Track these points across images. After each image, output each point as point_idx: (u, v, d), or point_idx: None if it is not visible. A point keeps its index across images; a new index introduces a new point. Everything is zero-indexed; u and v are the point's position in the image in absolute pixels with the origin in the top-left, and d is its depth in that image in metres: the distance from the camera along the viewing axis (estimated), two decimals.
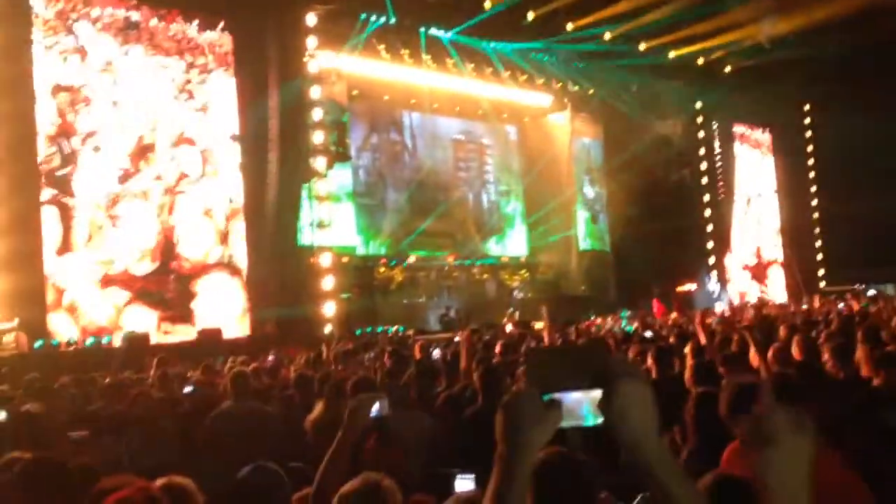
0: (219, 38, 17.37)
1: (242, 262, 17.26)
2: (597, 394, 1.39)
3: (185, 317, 15.94)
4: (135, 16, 15.99)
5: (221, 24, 17.23)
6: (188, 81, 16.89)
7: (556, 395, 1.40)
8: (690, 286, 26.08)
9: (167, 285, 15.77)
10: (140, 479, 2.41)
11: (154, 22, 16.32)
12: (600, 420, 1.39)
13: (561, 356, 1.51)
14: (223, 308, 16.57)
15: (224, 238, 17.01)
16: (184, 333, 15.56)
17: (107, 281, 15.08)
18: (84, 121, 15.19)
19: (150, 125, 16.12)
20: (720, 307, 22.38)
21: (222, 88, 17.41)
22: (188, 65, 16.91)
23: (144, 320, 15.24)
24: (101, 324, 14.88)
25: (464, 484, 2.96)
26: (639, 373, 1.44)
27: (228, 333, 15.77)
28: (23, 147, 14.17)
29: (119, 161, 15.56)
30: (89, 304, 14.84)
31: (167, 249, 15.92)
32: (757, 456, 1.36)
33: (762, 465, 1.35)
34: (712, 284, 25.06)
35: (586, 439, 1.51)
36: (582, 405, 1.40)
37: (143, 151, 15.93)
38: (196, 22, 16.95)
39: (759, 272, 30.94)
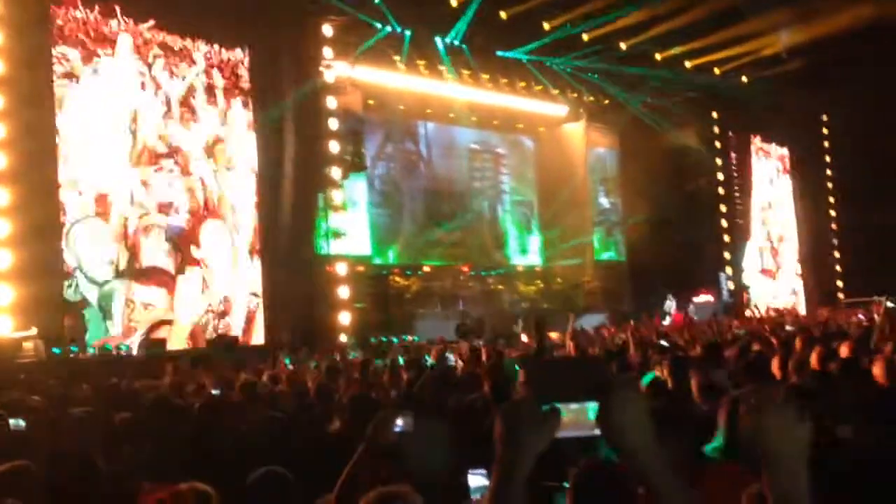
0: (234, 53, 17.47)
1: (256, 271, 17.29)
2: (594, 405, 1.44)
3: None
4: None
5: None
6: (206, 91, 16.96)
7: (556, 405, 1.45)
8: (707, 297, 25.95)
9: None
10: (163, 485, 2.43)
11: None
12: (597, 431, 1.44)
13: (560, 368, 1.58)
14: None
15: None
16: None
17: None
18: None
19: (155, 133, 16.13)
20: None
21: (237, 101, 17.51)
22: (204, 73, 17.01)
23: None
24: None
25: (476, 479, 3.03)
26: (635, 385, 1.51)
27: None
28: (43, 157, 14.29)
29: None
30: None
31: None
32: None
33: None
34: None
35: (584, 449, 1.56)
36: (580, 415, 1.45)
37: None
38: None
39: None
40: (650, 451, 1.44)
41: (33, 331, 13.03)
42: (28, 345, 12.85)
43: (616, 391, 1.44)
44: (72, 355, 13.58)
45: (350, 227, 19.47)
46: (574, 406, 1.45)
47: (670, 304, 24.06)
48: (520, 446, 1.45)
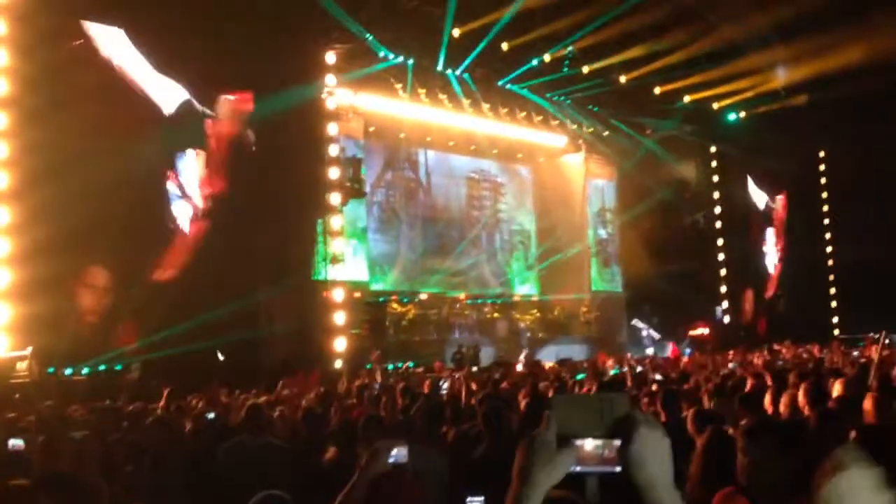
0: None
1: None
2: (617, 442, 1.47)
3: None
4: None
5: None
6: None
7: (577, 442, 1.47)
8: (703, 330, 25.97)
9: None
10: None
11: None
12: (618, 468, 1.46)
13: (584, 404, 1.59)
14: None
15: None
16: None
17: None
18: None
19: None
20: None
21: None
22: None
23: None
24: None
25: None
26: (658, 423, 1.52)
27: None
28: (47, 174, 14.33)
29: None
30: None
31: None
32: None
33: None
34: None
35: (604, 486, 1.60)
36: (601, 452, 1.48)
37: None
38: None
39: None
40: (669, 490, 1.47)
41: (28, 350, 13.00)
42: (22, 365, 12.82)
43: (640, 428, 1.47)
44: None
45: (348, 252, 19.51)
46: (596, 443, 1.48)
47: (646, 335, 24.15)
48: (531, 480, 1.49)
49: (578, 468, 1.48)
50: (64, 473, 2.73)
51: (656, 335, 24.48)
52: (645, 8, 20.14)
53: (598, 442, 1.48)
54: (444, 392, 9.55)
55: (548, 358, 19.58)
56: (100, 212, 14.31)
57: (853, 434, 3.61)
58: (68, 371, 13.91)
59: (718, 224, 28.61)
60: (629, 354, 20.50)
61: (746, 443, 2.99)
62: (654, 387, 7.93)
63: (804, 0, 19.53)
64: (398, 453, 2.95)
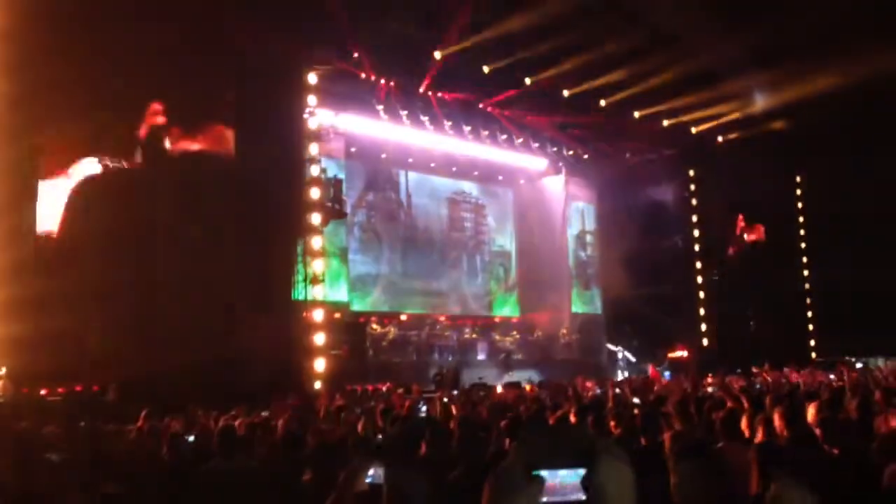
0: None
1: None
2: (582, 471, 1.49)
3: None
4: None
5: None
6: None
7: (543, 471, 1.49)
8: (682, 352, 26.07)
9: None
10: None
11: None
12: (583, 497, 1.48)
13: (550, 433, 1.60)
14: None
15: None
16: None
17: None
18: None
19: None
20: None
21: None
22: None
23: None
24: None
25: None
26: (622, 453, 1.54)
27: None
28: (22, 196, 14.25)
29: None
30: None
31: None
32: None
33: None
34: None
35: None
36: (568, 482, 1.49)
37: None
38: None
39: None
40: None
41: (2, 371, 12.85)
42: None
43: (603, 458, 1.49)
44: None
45: (328, 273, 19.46)
46: (562, 472, 1.49)
47: (621, 358, 24.26)
48: None
49: (545, 499, 1.49)
50: (37, 497, 2.71)
51: (632, 358, 24.60)
52: (625, 32, 20.37)
53: (565, 472, 1.50)
54: (423, 414, 9.55)
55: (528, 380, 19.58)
56: (78, 231, 14.23)
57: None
58: (43, 391, 13.72)
59: (696, 247, 28.80)
60: (613, 377, 20.58)
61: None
62: (634, 410, 7.96)
63: (783, 26, 19.84)
64: (375, 473, 2.95)
